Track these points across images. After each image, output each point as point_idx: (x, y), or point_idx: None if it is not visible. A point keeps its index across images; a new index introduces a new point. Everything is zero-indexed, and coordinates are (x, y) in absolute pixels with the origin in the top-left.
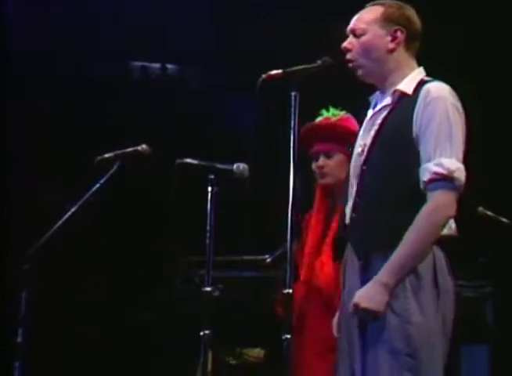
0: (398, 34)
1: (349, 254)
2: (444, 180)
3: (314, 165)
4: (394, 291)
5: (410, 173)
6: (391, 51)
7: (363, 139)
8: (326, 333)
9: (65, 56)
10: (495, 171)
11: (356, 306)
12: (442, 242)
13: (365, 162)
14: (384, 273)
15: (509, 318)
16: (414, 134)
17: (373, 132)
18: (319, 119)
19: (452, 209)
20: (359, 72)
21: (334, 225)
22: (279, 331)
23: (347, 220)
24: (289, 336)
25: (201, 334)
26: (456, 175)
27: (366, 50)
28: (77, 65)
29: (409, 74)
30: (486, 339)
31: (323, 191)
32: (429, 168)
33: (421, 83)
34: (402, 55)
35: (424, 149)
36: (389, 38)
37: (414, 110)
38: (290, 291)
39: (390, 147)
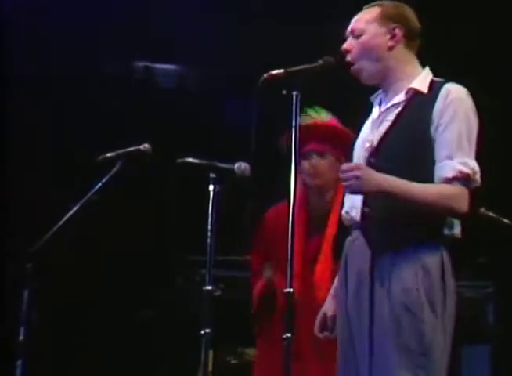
0: (397, 31)
1: (358, 243)
2: (466, 179)
3: (306, 164)
4: (408, 288)
5: (424, 170)
6: (391, 48)
7: (369, 136)
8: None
9: (67, 55)
10: (497, 171)
11: (357, 169)
12: (449, 243)
13: (373, 155)
14: (392, 183)
15: (510, 318)
16: (431, 132)
17: (383, 128)
18: (306, 119)
19: (466, 206)
20: (363, 75)
21: (329, 231)
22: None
23: (355, 213)
24: (289, 335)
25: (202, 333)
26: (477, 176)
27: (366, 50)
28: (79, 64)
29: (413, 71)
30: (487, 340)
31: (307, 194)
32: (453, 166)
33: (434, 82)
34: (402, 52)
35: (443, 147)
36: (388, 36)
37: (433, 108)
38: (291, 290)
39: (404, 144)
